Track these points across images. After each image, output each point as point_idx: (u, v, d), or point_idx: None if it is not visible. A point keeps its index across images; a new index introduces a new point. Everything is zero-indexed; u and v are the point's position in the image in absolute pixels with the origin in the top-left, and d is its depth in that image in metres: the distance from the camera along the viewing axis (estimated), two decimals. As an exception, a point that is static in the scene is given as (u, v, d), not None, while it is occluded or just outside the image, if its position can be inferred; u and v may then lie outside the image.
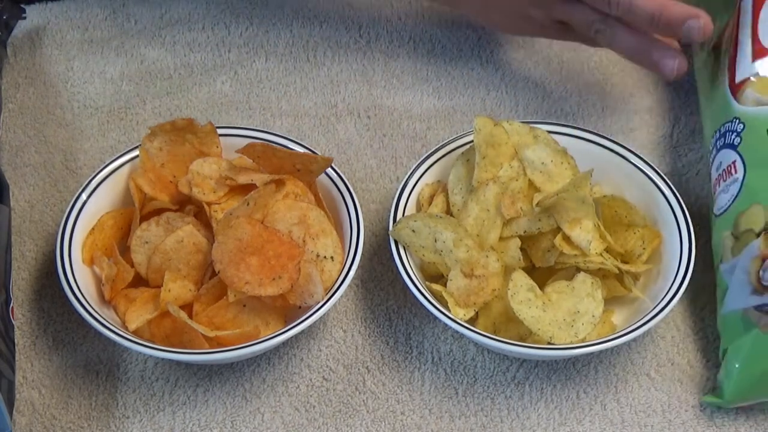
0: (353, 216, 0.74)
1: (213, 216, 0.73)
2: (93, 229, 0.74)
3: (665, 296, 0.70)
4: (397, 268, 0.72)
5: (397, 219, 0.74)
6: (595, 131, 0.79)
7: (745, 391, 0.70)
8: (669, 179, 0.76)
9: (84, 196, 0.75)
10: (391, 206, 0.75)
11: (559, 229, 0.71)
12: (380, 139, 0.85)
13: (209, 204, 0.73)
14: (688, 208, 0.75)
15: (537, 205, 0.72)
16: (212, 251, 0.70)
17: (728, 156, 0.75)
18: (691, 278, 0.71)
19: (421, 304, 0.70)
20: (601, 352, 0.73)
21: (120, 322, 0.71)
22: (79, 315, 0.69)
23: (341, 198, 0.75)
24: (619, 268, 0.72)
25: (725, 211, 0.73)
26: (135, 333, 0.70)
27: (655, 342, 0.75)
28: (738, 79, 0.77)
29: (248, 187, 0.73)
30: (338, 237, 0.73)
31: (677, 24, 0.76)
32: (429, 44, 0.91)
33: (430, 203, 0.76)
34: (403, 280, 0.71)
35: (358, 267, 0.72)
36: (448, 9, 0.91)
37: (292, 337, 0.69)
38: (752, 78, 0.76)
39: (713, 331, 0.75)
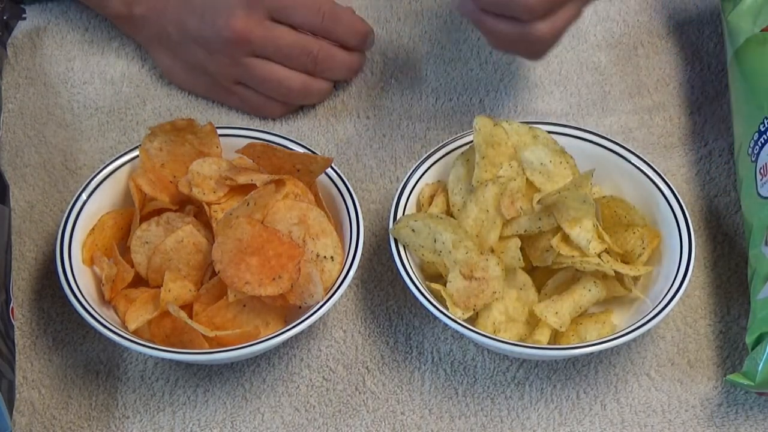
0: (353, 216, 0.74)
1: (213, 216, 0.72)
2: (93, 229, 0.74)
3: (665, 296, 0.70)
4: (397, 267, 0.72)
5: (398, 218, 0.74)
6: (595, 131, 0.79)
7: None
8: (669, 179, 0.76)
9: (84, 196, 0.75)
10: (391, 206, 0.75)
11: (558, 229, 0.71)
12: (380, 139, 0.85)
13: (209, 204, 0.73)
14: (688, 208, 0.75)
15: (539, 202, 0.72)
16: (212, 251, 0.70)
17: None
18: (691, 278, 0.71)
19: (421, 304, 0.70)
20: (601, 352, 0.73)
21: (120, 322, 0.71)
22: (79, 315, 0.69)
23: (341, 198, 0.75)
24: (616, 271, 0.72)
25: None
26: (135, 333, 0.70)
27: (655, 342, 0.75)
28: None
29: (248, 187, 0.73)
30: (338, 237, 0.73)
31: None
32: (428, 44, 0.91)
33: (430, 203, 0.76)
34: (403, 280, 0.71)
35: (358, 267, 0.72)
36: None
37: (292, 337, 0.69)
38: None
39: (713, 331, 0.75)
